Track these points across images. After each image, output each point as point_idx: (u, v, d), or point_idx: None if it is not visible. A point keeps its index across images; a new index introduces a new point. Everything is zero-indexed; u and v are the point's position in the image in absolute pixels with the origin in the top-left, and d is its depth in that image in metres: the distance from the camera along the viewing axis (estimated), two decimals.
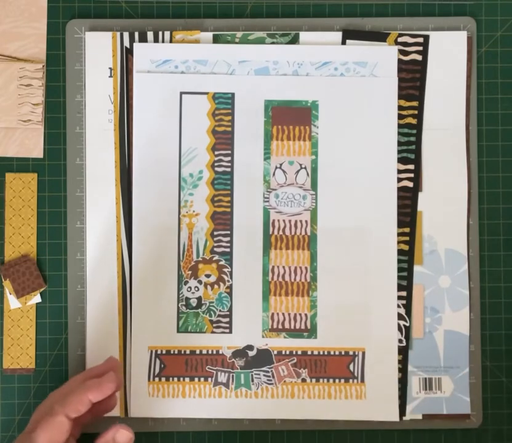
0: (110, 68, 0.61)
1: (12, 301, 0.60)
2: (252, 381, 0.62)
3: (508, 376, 0.61)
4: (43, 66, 0.60)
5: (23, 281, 0.59)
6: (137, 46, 0.63)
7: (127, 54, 0.62)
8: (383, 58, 0.63)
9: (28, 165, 0.60)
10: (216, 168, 0.63)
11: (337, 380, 0.63)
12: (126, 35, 0.62)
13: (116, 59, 0.61)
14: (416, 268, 0.60)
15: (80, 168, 0.60)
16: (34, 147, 0.60)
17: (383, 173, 0.63)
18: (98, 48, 0.62)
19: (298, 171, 0.63)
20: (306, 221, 0.62)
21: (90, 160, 0.61)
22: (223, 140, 0.63)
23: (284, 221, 0.62)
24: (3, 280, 0.60)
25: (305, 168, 0.63)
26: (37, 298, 0.60)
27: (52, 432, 0.52)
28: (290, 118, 0.63)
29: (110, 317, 0.61)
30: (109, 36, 0.61)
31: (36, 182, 0.60)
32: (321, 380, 0.63)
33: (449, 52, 0.62)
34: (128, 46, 0.61)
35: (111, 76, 0.61)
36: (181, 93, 0.62)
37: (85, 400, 0.53)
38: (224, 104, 0.63)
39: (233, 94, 0.63)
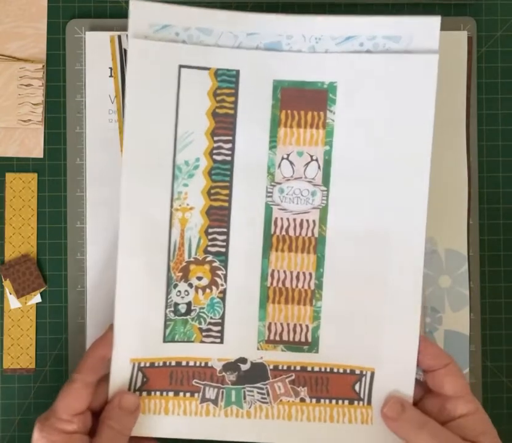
0: (110, 68, 0.57)
1: (12, 301, 0.57)
2: (244, 398, 0.53)
3: (508, 376, 0.57)
4: (43, 66, 0.56)
5: (23, 281, 0.56)
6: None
7: (127, 54, 0.53)
8: (421, 30, 0.50)
9: (28, 165, 0.57)
10: (215, 157, 0.52)
11: (340, 401, 0.53)
12: (125, 35, 0.56)
13: (115, 59, 0.57)
14: None
15: (80, 168, 0.57)
16: (34, 147, 0.56)
17: (412, 170, 0.51)
18: (98, 48, 0.56)
19: (308, 164, 0.52)
20: (314, 221, 0.53)
21: (90, 160, 0.57)
22: (224, 124, 0.52)
23: (288, 219, 0.53)
24: (3, 280, 0.56)
25: (316, 160, 0.52)
26: (37, 298, 0.57)
27: (69, 399, 0.49)
28: (302, 102, 0.52)
29: (110, 317, 0.53)
30: (109, 36, 0.56)
31: (36, 182, 0.57)
32: (322, 401, 0.53)
33: (449, 52, 0.56)
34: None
35: (111, 76, 0.57)
36: (180, 67, 0.52)
37: (96, 356, 0.51)
38: (227, 83, 0.52)
39: (238, 71, 0.52)
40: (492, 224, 0.58)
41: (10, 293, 0.57)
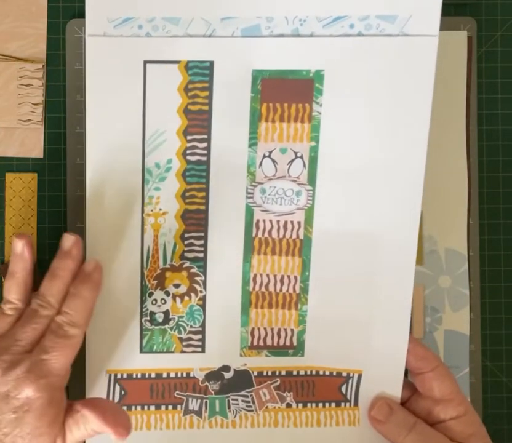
0: None
1: None
2: (229, 407, 0.50)
3: (508, 376, 0.56)
4: (43, 65, 0.54)
5: None
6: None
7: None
8: (420, 9, 0.45)
9: (28, 165, 0.55)
10: (189, 157, 0.48)
11: (327, 404, 0.51)
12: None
13: None
14: (416, 268, 0.52)
15: (80, 168, 0.55)
16: (34, 147, 0.55)
17: (406, 166, 0.47)
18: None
19: (292, 161, 0.48)
20: (298, 223, 0.49)
21: None
22: (197, 122, 0.47)
23: (270, 221, 0.49)
24: (3, 280, 0.53)
25: (301, 157, 0.48)
26: None
27: (70, 358, 0.45)
28: (286, 93, 0.47)
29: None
30: None
31: (35, 182, 0.55)
32: (309, 405, 0.51)
33: (449, 52, 0.54)
34: None
35: None
36: (145, 62, 0.46)
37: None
38: (200, 76, 0.47)
39: (212, 62, 0.46)
40: (492, 224, 0.57)
41: None
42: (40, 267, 0.59)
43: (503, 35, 0.56)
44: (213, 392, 0.50)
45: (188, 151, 0.48)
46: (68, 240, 0.46)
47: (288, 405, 0.51)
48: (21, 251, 0.46)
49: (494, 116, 0.56)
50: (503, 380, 0.56)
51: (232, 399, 0.50)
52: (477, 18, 0.55)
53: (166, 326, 0.50)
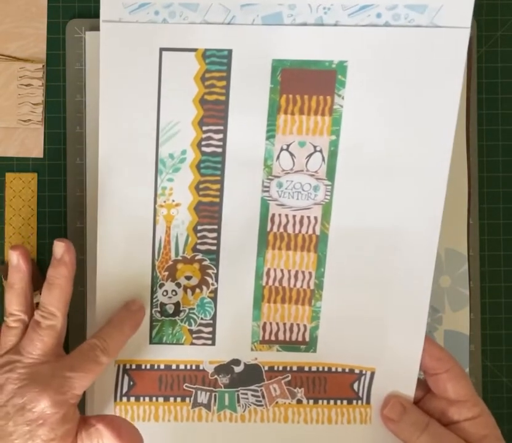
0: None
1: None
2: (238, 402, 0.50)
3: (508, 376, 0.56)
4: (43, 66, 0.54)
5: None
6: None
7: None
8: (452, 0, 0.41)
9: (28, 165, 0.55)
10: (204, 148, 0.46)
11: (339, 401, 0.50)
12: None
13: None
14: None
15: (80, 168, 0.55)
16: (34, 147, 0.55)
17: (431, 164, 0.46)
18: (98, 48, 0.46)
19: (310, 155, 0.46)
20: (315, 218, 0.47)
21: (90, 160, 0.54)
22: (214, 112, 0.46)
23: (286, 216, 0.48)
24: (3, 280, 0.55)
25: (320, 151, 0.46)
26: (37, 298, 0.51)
27: (93, 377, 0.45)
28: (306, 85, 0.45)
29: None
30: None
31: (36, 182, 0.55)
32: (320, 401, 0.50)
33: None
34: None
35: None
36: (161, 50, 0.45)
37: (125, 339, 0.47)
38: (217, 65, 0.45)
39: (230, 51, 0.45)
40: (492, 224, 0.57)
41: None
42: (41, 268, 0.59)
43: (503, 35, 0.56)
44: (222, 385, 0.50)
45: (203, 142, 0.46)
46: (59, 247, 0.46)
47: (299, 401, 0.50)
48: (16, 263, 0.47)
49: (494, 116, 0.56)
50: (503, 380, 0.56)
51: (242, 393, 0.50)
52: (477, 18, 0.55)
53: (176, 318, 0.49)
